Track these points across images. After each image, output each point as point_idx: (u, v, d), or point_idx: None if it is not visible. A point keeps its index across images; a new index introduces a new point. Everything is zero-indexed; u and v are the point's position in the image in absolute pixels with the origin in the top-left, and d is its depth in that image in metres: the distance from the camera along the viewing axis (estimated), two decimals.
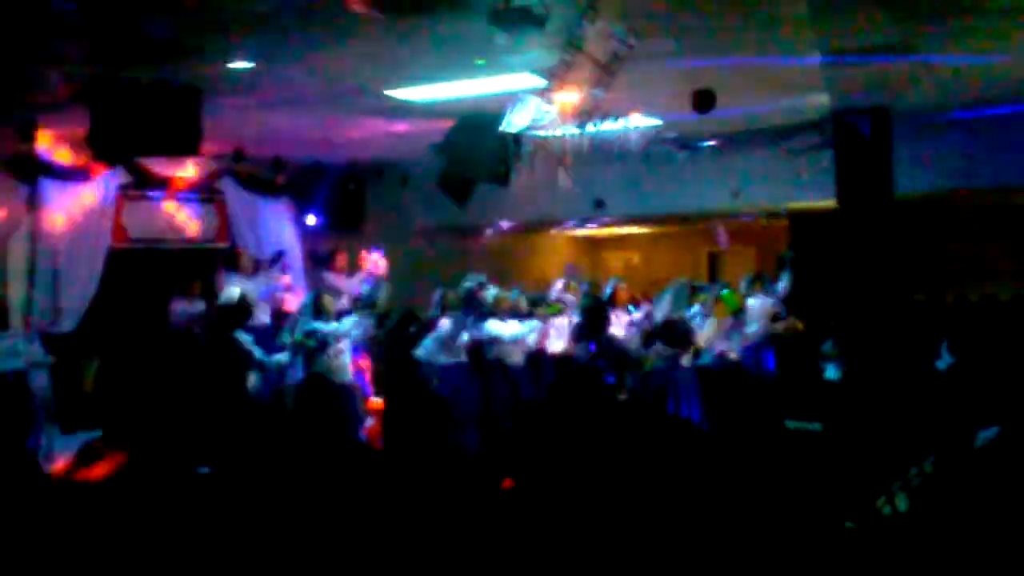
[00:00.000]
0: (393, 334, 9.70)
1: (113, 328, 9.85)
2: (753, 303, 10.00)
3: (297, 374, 8.91)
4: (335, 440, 8.46)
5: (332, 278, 11.07)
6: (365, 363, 9.77)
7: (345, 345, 8.85)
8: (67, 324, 9.34)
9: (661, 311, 9.50)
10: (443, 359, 9.22)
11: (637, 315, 9.92)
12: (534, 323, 9.65)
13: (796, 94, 8.68)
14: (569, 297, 10.42)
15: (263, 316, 10.09)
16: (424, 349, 9.30)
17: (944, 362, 8.87)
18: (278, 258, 11.04)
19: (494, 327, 9.34)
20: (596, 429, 5.95)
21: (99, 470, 5.58)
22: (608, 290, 10.31)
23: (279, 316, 10.25)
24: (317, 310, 8.72)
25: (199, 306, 9.77)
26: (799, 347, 9.90)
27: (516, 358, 9.47)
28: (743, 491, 5.56)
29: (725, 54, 7.23)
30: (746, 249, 16.06)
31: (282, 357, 8.71)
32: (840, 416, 8.61)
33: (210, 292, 9.81)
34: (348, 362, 8.89)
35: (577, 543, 4.73)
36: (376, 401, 9.75)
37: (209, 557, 5.01)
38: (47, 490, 5.94)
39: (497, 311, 9.42)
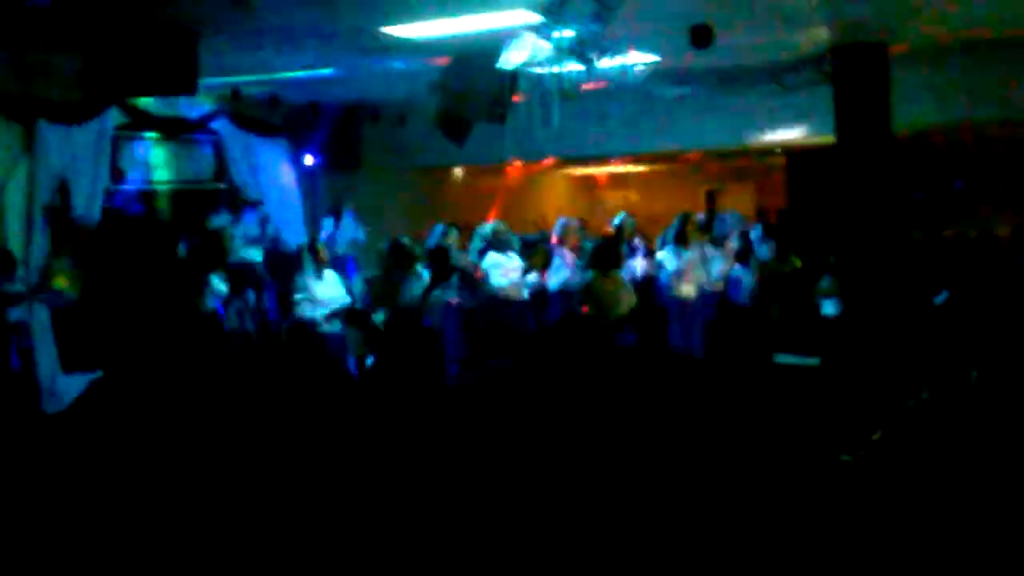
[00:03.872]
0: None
1: (111, 271, 9.88)
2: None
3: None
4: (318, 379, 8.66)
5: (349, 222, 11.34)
6: None
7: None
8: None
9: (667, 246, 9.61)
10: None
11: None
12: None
13: (795, 29, 8.62)
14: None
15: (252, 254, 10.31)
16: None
17: (941, 297, 8.93)
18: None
19: (493, 260, 9.43)
20: (598, 364, 6.01)
21: None
22: (616, 222, 10.37)
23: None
24: (312, 259, 9.03)
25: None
26: (797, 283, 9.94)
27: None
28: (741, 424, 5.62)
29: None
30: (744, 186, 16.07)
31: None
32: (838, 351, 8.68)
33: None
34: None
35: (577, 476, 4.80)
36: None
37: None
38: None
39: (496, 244, 9.54)
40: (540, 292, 9.95)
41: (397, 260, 8.94)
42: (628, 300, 8.79)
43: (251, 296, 9.31)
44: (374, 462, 5.46)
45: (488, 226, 9.83)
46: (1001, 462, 3.89)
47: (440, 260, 8.76)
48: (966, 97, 10.04)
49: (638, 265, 9.90)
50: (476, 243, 9.77)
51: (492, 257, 9.56)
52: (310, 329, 9.00)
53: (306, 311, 9.00)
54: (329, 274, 9.31)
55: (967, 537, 3.83)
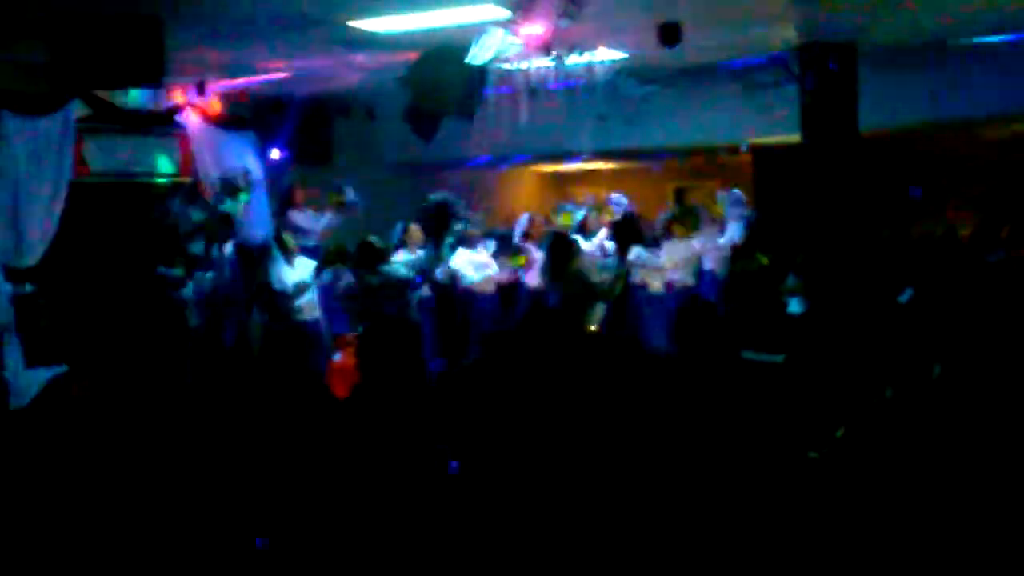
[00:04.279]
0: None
1: (76, 262, 9.78)
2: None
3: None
4: (298, 380, 8.60)
5: (297, 216, 11.10)
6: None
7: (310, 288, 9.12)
8: (29, 259, 9.23)
9: None
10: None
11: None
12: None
13: (762, 28, 8.66)
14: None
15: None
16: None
17: (906, 296, 8.99)
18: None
19: (463, 257, 9.51)
20: (564, 360, 6.00)
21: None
22: (579, 217, 10.49)
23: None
24: (280, 249, 9.01)
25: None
26: (763, 281, 9.99)
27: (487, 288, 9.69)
28: (709, 421, 5.63)
29: None
30: (711, 184, 16.10)
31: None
32: (803, 349, 8.73)
33: None
34: (314, 300, 9.15)
35: (542, 475, 4.79)
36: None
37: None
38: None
39: (468, 238, 9.63)
40: (509, 287, 9.99)
41: (367, 260, 8.91)
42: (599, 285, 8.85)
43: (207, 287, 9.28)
44: (357, 460, 5.41)
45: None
46: (964, 457, 3.92)
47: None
48: (931, 98, 10.11)
49: (598, 243, 10.10)
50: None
51: (461, 253, 9.59)
52: (284, 322, 8.96)
53: (287, 288, 8.99)
54: (300, 260, 9.34)
55: (932, 532, 3.86)
